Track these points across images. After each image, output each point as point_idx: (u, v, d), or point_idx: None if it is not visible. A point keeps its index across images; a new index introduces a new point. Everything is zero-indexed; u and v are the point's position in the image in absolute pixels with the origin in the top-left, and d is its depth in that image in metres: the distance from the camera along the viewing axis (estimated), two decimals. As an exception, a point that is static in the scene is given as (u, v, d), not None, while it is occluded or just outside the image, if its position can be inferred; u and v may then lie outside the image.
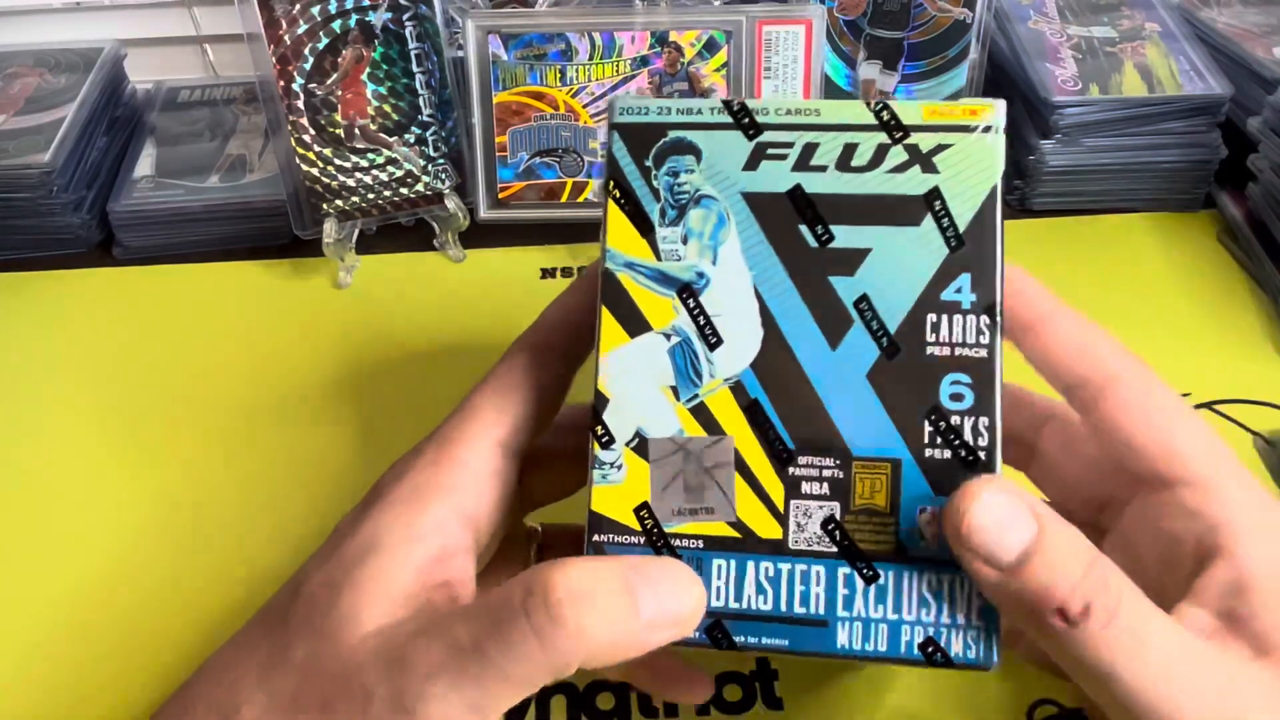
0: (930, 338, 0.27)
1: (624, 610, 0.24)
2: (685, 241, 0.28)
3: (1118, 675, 0.23)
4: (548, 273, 0.52)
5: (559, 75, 0.51)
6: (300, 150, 0.51)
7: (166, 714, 0.27)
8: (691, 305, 0.28)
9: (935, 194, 0.28)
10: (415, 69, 0.51)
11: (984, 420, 0.26)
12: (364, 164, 0.52)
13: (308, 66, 0.50)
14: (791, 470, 0.27)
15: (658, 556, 0.27)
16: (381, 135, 0.52)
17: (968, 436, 0.26)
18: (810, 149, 0.28)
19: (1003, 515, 0.24)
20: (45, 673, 0.36)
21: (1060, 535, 0.24)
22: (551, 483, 0.32)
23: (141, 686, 0.35)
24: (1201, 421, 0.28)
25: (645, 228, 0.28)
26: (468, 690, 0.23)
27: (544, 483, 0.32)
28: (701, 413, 0.27)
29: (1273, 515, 0.26)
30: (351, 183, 0.52)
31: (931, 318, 0.27)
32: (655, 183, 0.28)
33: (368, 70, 0.51)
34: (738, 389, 0.27)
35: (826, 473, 0.27)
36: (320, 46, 0.50)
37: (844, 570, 0.26)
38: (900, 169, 0.28)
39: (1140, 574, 0.25)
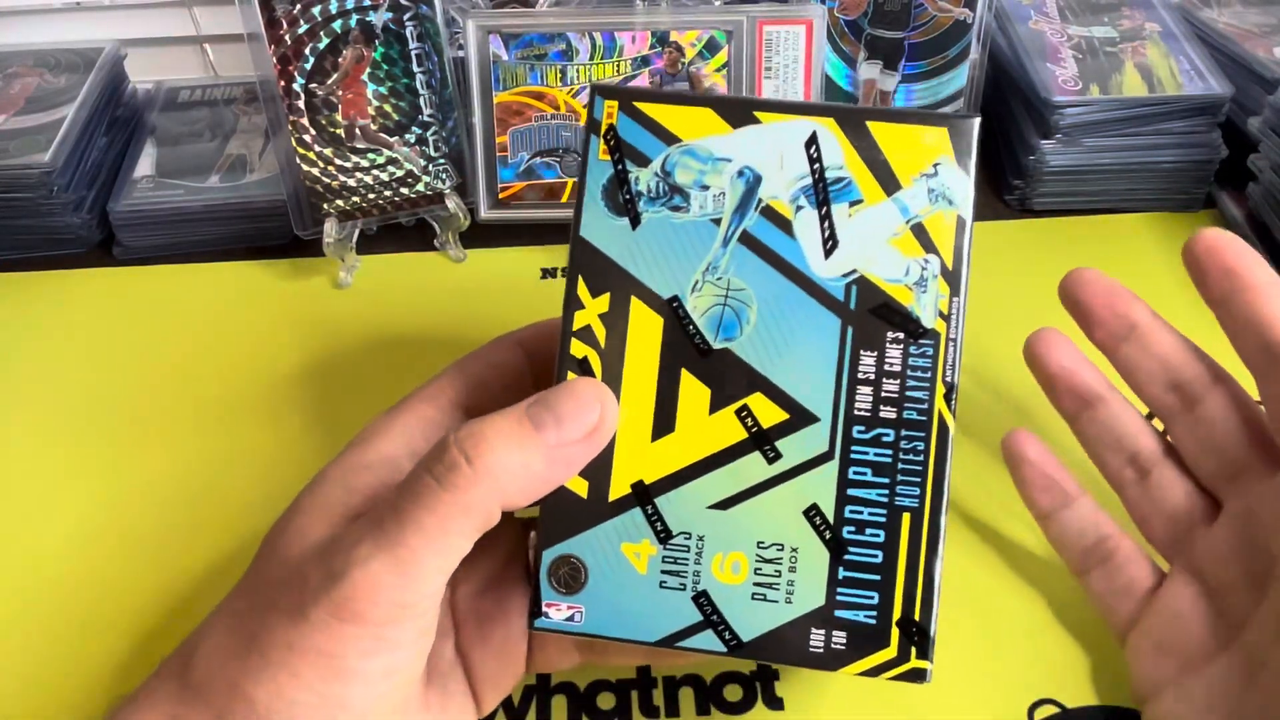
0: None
1: (525, 442, 0.25)
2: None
3: None
4: (548, 273, 0.52)
5: (559, 75, 0.51)
6: (300, 150, 0.51)
7: (151, 675, 0.28)
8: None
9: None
10: (416, 69, 0.51)
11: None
12: (364, 164, 0.52)
13: (308, 66, 0.50)
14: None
15: (556, 384, 0.27)
16: (382, 135, 0.52)
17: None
18: None
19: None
20: (45, 659, 0.36)
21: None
22: None
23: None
24: None
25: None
26: (388, 548, 0.24)
27: None
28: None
29: None
30: (352, 183, 0.52)
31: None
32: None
33: (368, 70, 0.51)
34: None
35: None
36: (321, 46, 0.50)
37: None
38: None
39: (1252, 541, 0.26)
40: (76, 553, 0.40)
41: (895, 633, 0.27)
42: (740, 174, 0.26)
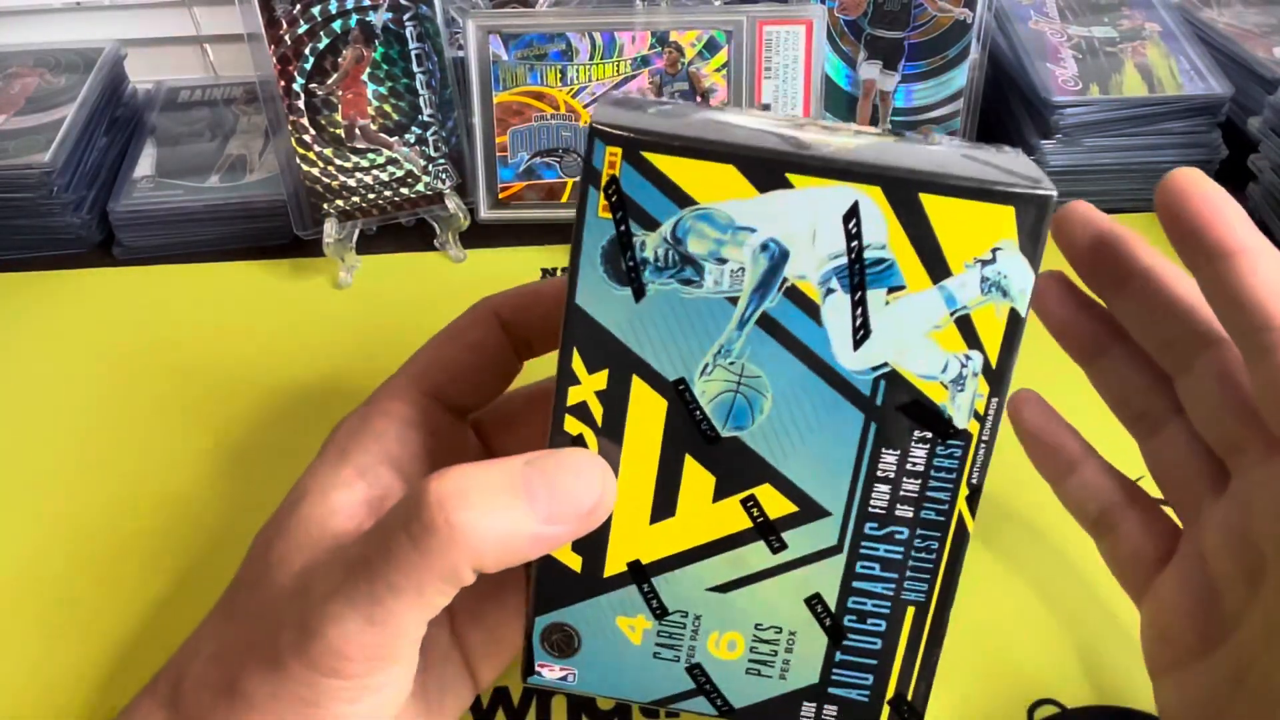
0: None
1: (511, 504, 0.23)
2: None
3: None
4: (548, 273, 0.52)
5: (559, 75, 0.51)
6: (300, 150, 0.51)
7: (139, 694, 0.27)
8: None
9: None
10: (416, 69, 0.51)
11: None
12: (364, 164, 0.52)
13: (308, 66, 0.50)
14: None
15: (556, 449, 0.25)
16: (382, 135, 0.52)
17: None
18: None
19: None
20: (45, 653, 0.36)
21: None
22: (522, 449, 0.32)
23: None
24: None
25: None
26: (361, 605, 0.23)
27: (516, 448, 0.32)
28: None
29: None
30: (352, 183, 0.52)
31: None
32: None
33: (368, 70, 0.51)
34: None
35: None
36: (320, 46, 0.50)
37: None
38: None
39: (1246, 534, 0.23)
40: (75, 552, 0.40)
41: (886, 710, 0.27)
42: (764, 248, 0.23)
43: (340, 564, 0.24)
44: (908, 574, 0.26)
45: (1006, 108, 0.56)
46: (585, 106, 0.51)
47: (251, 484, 0.42)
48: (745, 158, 0.22)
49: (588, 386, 0.24)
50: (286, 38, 0.49)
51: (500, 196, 0.53)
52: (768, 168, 0.22)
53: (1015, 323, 0.23)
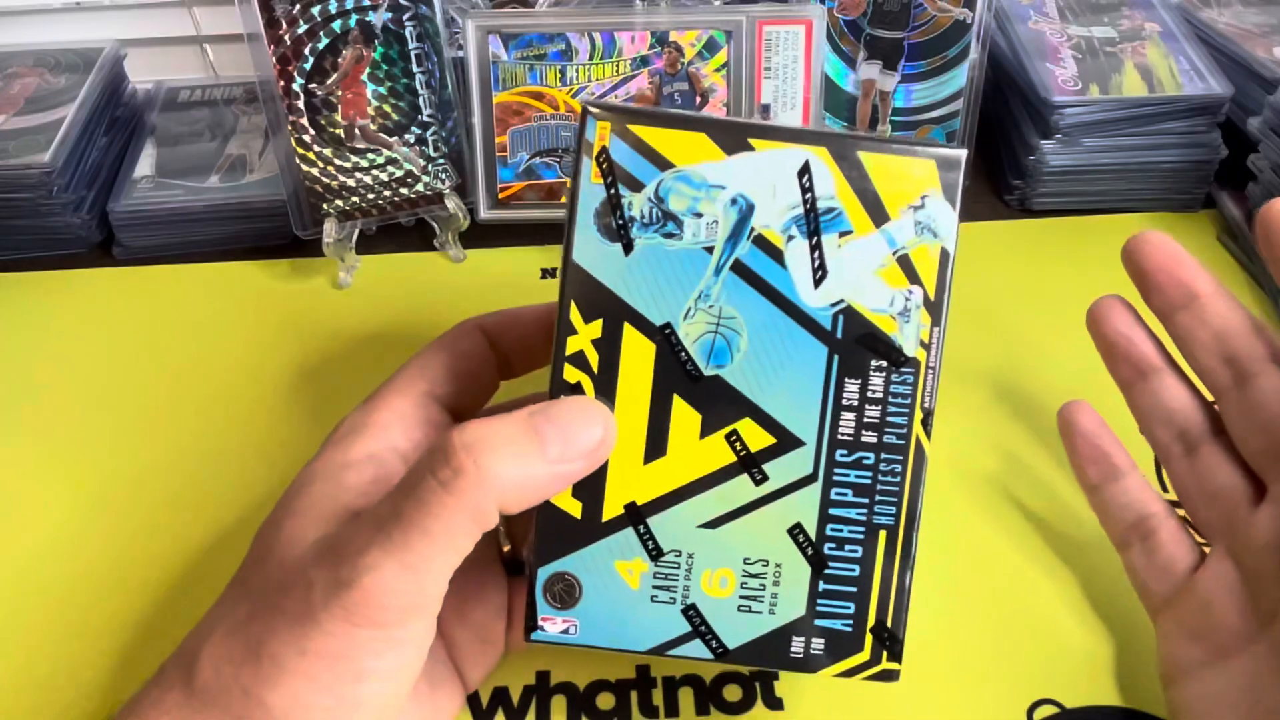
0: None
1: (526, 447, 0.25)
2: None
3: None
4: (548, 273, 0.52)
5: (559, 75, 0.51)
6: (300, 150, 0.51)
7: (147, 684, 0.28)
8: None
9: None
10: (415, 69, 0.51)
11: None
12: (364, 164, 0.52)
13: (308, 66, 0.50)
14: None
15: (561, 398, 0.27)
16: (381, 135, 0.52)
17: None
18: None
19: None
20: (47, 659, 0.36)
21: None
22: None
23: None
24: None
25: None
26: (397, 553, 0.25)
27: None
28: None
29: None
30: (351, 183, 0.52)
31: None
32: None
33: (368, 70, 0.51)
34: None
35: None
36: (320, 46, 0.50)
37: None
38: None
39: None
40: (74, 551, 0.40)
41: (869, 638, 0.28)
42: (733, 202, 0.26)
43: (370, 521, 0.25)
44: (877, 498, 0.28)
45: (1006, 108, 0.56)
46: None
47: (252, 483, 0.42)
48: (714, 125, 0.26)
49: (584, 336, 0.27)
50: (286, 38, 0.49)
51: (500, 196, 0.53)
52: (733, 133, 0.26)
53: (946, 259, 0.27)
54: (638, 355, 0.27)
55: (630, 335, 0.27)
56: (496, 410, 0.34)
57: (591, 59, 0.51)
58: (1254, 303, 0.49)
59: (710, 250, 0.27)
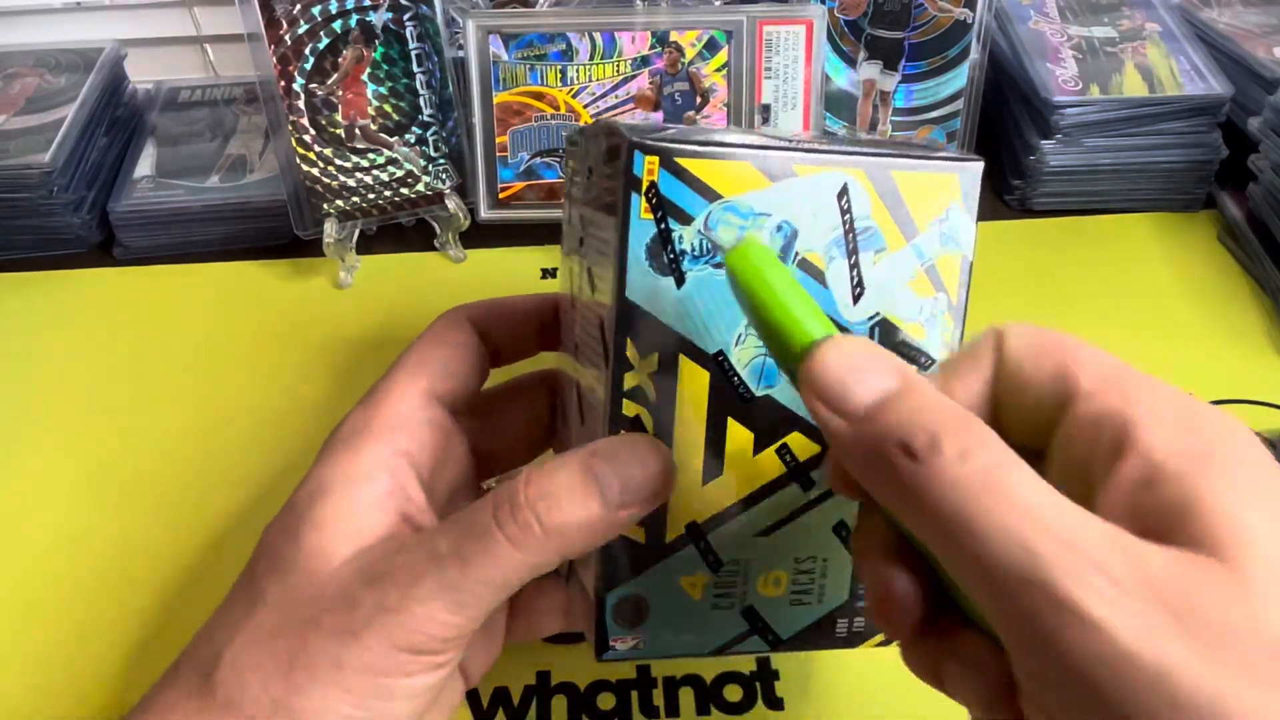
0: None
1: (590, 499, 0.25)
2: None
3: (969, 517, 0.19)
4: (548, 273, 0.52)
5: (559, 75, 0.51)
6: (300, 150, 0.51)
7: (156, 687, 0.27)
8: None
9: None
10: (416, 69, 0.51)
11: None
12: (364, 164, 0.52)
13: (308, 66, 0.50)
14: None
15: (615, 436, 0.27)
16: (382, 135, 0.52)
17: None
18: None
19: (860, 362, 0.21)
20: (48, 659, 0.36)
21: (924, 388, 0.21)
22: (505, 441, 0.34)
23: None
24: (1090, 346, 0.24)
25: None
26: (450, 593, 0.25)
27: (494, 441, 0.34)
28: None
29: (1180, 400, 0.22)
30: (352, 183, 0.52)
31: None
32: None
33: (368, 70, 0.51)
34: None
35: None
36: (321, 46, 0.50)
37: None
38: None
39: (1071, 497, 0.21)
40: (74, 551, 0.40)
41: None
42: (779, 228, 0.27)
43: (425, 554, 0.26)
44: None
45: (1006, 108, 0.56)
46: (585, 107, 0.51)
47: (253, 482, 0.42)
48: (758, 155, 0.26)
49: (641, 370, 0.27)
50: (286, 38, 0.49)
51: (500, 197, 0.53)
52: (776, 162, 0.26)
53: (966, 267, 0.28)
54: (693, 384, 0.27)
55: (686, 366, 0.27)
56: (487, 396, 0.34)
57: (592, 59, 0.51)
58: (1254, 303, 0.49)
59: None
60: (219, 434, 0.44)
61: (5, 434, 0.45)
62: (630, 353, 0.27)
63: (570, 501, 0.25)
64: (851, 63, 0.54)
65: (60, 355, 0.48)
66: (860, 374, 0.21)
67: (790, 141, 0.27)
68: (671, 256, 0.26)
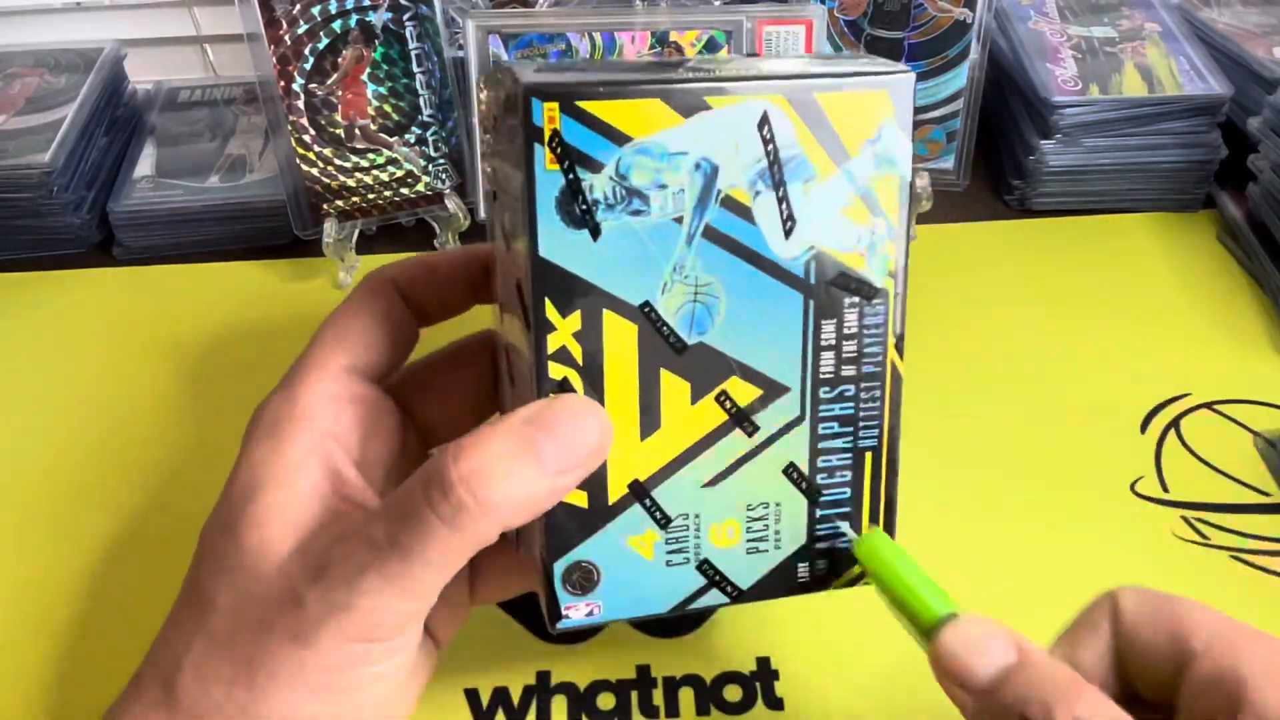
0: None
1: (527, 470, 0.25)
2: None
3: None
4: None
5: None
6: (300, 150, 0.51)
7: (118, 702, 0.27)
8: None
9: None
10: (415, 69, 0.51)
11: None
12: (364, 164, 0.52)
13: (308, 66, 0.50)
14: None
15: (547, 398, 0.26)
16: (382, 135, 0.52)
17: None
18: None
19: (980, 640, 0.24)
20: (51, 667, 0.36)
21: (1040, 660, 0.23)
22: (448, 410, 0.33)
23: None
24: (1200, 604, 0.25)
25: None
26: (395, 582, 0.25)
27: (439, 412, 0.33)
28: None
29: None
30: (351, 183, 0.52)
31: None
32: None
33: (368, 70, 0.51)
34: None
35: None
36: (320, 46, 0.50)
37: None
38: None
39: None
40: (74, 551, 0.40)
41: None
42: (697, 166, 0.26)
43: (362, 544, 0.25)
44: (860, 424, 0.29)
45: (1006, 108, 0.56)
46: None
47: (251, 484, 0.42)
48: (667, 89, 0.25)
49: (564, 331, 0.26)
50: (286, 38, 0.49)
51: (500, 196, 0.53)
52: (687, 94, 0.25)
53: (904, 186, 0.27)
54: (621, 339, 0.26)
55: (611, 320, 0.26)
56: (424, 365, 0.33)
57: (592, 59, 0.51)
58: (1254, 303, 0.49)
59: (680, 221, 0.26)
60: (219, 434, 0.44)
61: (5, 434, 0.45)
62: (550, 313, 0.26)
63: (505, 474, 0.24)
64: (851, 63, 0.54)
65: (60, 355, 0.48)
66: (981, 651, 0.23)
67: (705, 71, 0.26)
68: (584, 208, 0.25)
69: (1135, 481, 0.41)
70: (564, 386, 0.26)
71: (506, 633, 0.36)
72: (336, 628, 0.25)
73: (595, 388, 0.26)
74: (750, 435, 0.28)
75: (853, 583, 0.30)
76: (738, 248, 0.26)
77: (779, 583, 0.29)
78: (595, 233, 0.25)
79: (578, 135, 0.25)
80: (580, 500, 0.27)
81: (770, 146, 0.26)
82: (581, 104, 0.24)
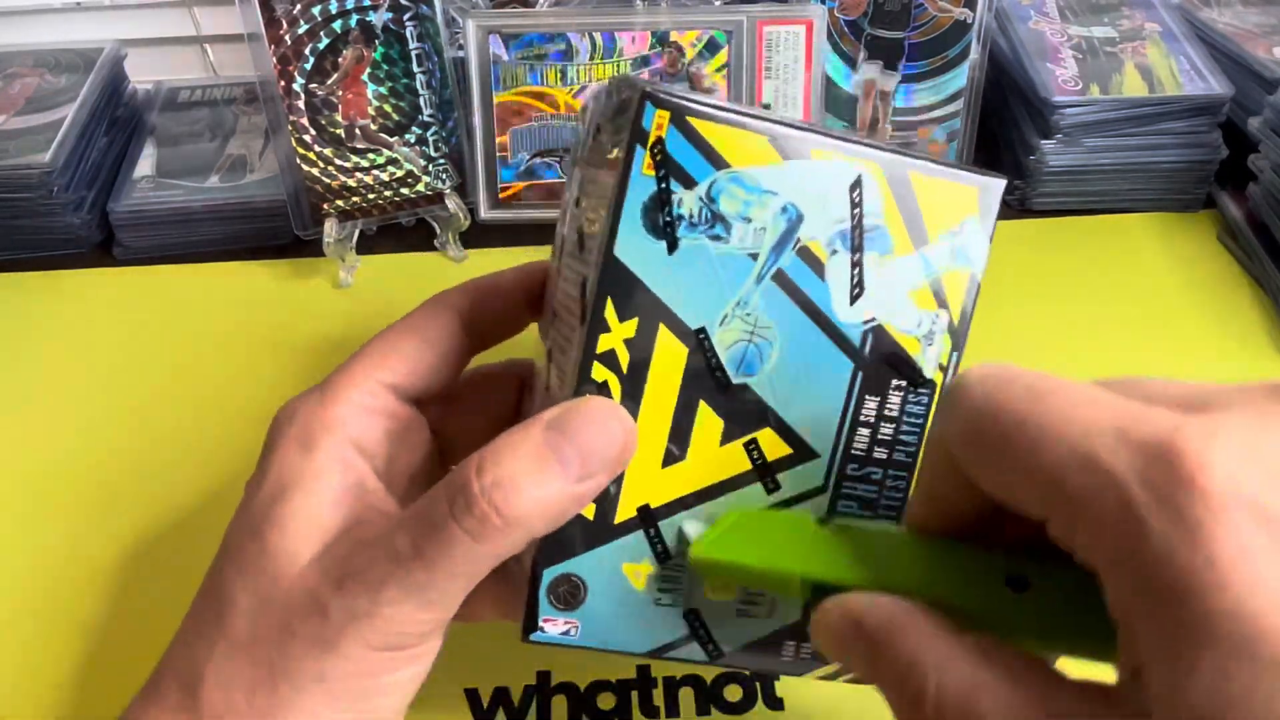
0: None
1: (550, 479, 0.24)
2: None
3: None
4: (548, 273, 0.52)
5: (559, 75, 0.51)
6: (300, 150, 0.51)
7: (137, 703, 0.27)
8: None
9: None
10: (416, 69, 0.51)
11: None
12: (364, 164, 0.52)
13: (308, 66, 0.50)
14: None
15: (570, 400, 0.26)
16: (382, 135, 0.52)
17: None
18: None
19: (835, 619, 0.23)
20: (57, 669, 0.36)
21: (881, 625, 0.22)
22: (470, 427, 0.33)
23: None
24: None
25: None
26: (417, 593, 0.25)
27: (463, 428, 0.33)
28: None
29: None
30: (352, 183, 0.52)
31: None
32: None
33: (368, 70, 0.51)
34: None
35: None
36: (321, 46, 0.50)
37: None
38: None
39: None
40: (74, 551, 0.40)
41: None
42: (784, 210, 0.26)
43: (386, 554, 0.25)
44: (880, 511, 0.28)
45: (1006, 108, 0.56)
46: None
47: (252, 484, 0.42)
48: (774, 130, 0.25)
49: (617, 335, 0.26)
50: (286, 38, 0.49)
51: (500, 197, 0.53)
52: (793, 141, 0.25)
53: (973, 287, 0.27)
54: (669, 358, 0.26)
55: (664, 337, 0.26)
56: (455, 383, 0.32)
57: (592, 59, 0.51)
58: (1254, 303, 0.49)
59: (754, 257, 0.26)
60: (219, 434, 0.44)
61: (5, 434, 0.45)
62: (609, 313, 0.25)
63: (529, 483, 0.24)
64: (851, 63, 0.54)
65: (60, 355, 0.48)
66: (839, 636, 0.23)
67: (809, 126, 0.26)
68: (668, 219, 0.25)
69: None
70: (603, 389, 0.26)
71: (506, 633, 0.36)
72: (360, 636, 0.25)
73: (633, 399, 0.26)
74: (770, 492, 0.27)
75: (834, 676, 0.29)
76: (803, 300, 0.26)
77: (762, 654, 0.28)
78: (672, 246, 0.25)
79: (680, 149, 0.25)
80: (587, 511, 0.27)
81: (857, 210, 0.26)
82: (692, 119, 0.25)
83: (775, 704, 0.34)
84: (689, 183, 0.25)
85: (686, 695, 0.34)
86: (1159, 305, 0.49)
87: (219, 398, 0.46)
